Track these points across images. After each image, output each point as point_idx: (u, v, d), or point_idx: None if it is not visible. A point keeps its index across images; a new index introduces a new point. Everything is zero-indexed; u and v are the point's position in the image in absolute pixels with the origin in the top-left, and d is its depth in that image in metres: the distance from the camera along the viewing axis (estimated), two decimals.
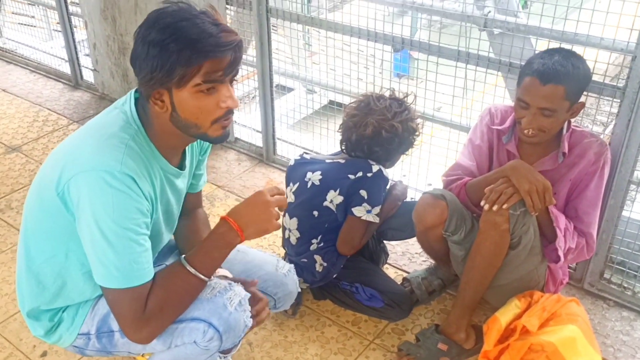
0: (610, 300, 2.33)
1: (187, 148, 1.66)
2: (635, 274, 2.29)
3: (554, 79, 1.82)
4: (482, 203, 1.90)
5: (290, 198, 2.31)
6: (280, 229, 2.41)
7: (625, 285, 2.32)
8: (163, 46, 1.34)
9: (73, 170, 1.40)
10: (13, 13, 5.53)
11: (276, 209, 1.58)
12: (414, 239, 2.34)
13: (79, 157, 1.42)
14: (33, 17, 5.30)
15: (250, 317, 1.63)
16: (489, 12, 2.26)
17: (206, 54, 1.35)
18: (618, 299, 2.32)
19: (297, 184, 2.28)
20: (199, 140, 1.72)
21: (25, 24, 5.30)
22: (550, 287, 2.15)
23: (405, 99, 2.26)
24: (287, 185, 2.35)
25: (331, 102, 3.24)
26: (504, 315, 1.93)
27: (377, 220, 2.18)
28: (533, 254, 2.00)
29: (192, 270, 1.51)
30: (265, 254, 1.98)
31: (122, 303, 1.44)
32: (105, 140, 1.44)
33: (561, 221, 1.96)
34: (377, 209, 2.17)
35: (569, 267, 2.39)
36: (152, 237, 1.57)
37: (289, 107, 3.63)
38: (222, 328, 1.54)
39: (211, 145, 1.78)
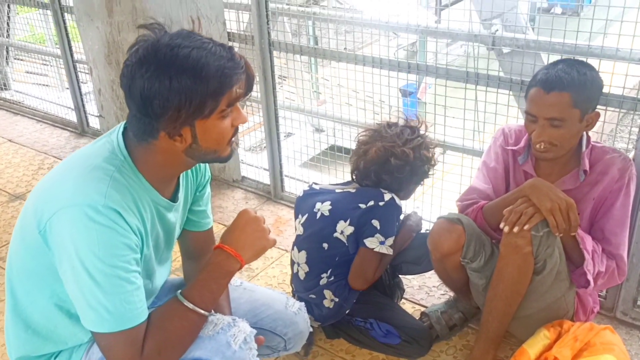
0: None
1: (181, 180, 1.56)
2: None
3: (558, 86, 1.74)
4: (501, 225, 1.78)
5: (299, 230, 2.19)
6: (289, 264, 2.30)
7: None
8: (188, 80, 1.25)
9: (54, 207, 1.29)
10: (27, 72, 5.60)
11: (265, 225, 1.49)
12: (431, 271, 2.21)
13: (60, 193, 1.32)
14: (46, 75, 5.36)
15: (257, 355, 1.50)
16: (497, 30, 2.19)
17: (231, 80, 1.29)
18: None
19: (306, 215, 2.17)
20: (195, 175, 1.64)
21: (38, 83, 5.35)
22: (581, 317, 2.00)
23: (420, 126, 2.15)
24: (296, 217, 2.24)
25: (332, 147, 3.14)
26: (533, 347, 1.78)
27: (390, 252, 2.05)
28: (560, 280, 1.86)
29: (190, 305, 1.39)
30: (273, 291, 1.87)
31: (117, 348, 1.32)
32: (88, 172, 1.34)
33: (588, 243, 1.83)
34: (390, 240, 2.04)
35: (599, 296, 2.23)
36: (145, 275, 1.46)
37: (295, 148, 3.54)
38: None
39: (210, 179, 1.70)
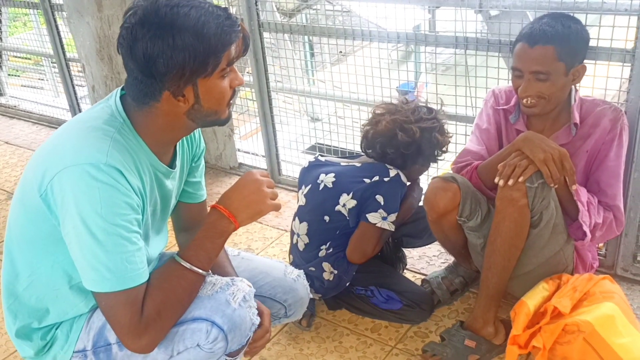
0: None
1: (178, 148, 1.56)
2: None
3: (541, 40, 1.75)
4: (496, 180, 1.78)
5: (302, 201, 2.19)
6: (290, 236, 2.30)
7: None
8: (190, 38, 1.26)
9: (55, 168, 1.29)
10: (22, 86, 5.63)
11: (270, 190, 1.47)
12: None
13: (60, 154, 1.32)
14: (41, 79, 5.37)
15: (257, 314, 1.50)
16: None
17: (230, 38, 1.31)
18: None
19: (309, 186, 2.16)
20: (190, 145, 1.65)
21: (34, 87, 5.37)
22: (580, 272, 1.99)
23: (438, 110, 2.13)
24: (300, 188, 2.23)
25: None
26: (532, 299, 1.77)
27: (392, 228, 2.04)
28: (557, 233, 1.86)
29: (187, 265, 1.40)
30: (272, 260, 1.87)
31: (117, 308, 1.32)
32: (88, 133, 1.34)
33: (582, 194, 1.83)
34: (393, 216, 2.03)
35: (599, 254, 2.23)
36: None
37: (291, 138, 3.53)
38: (226, 326, 1.41)
39: (204, 150, 1.71)
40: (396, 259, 2.28)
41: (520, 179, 1.73)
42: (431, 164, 2.18)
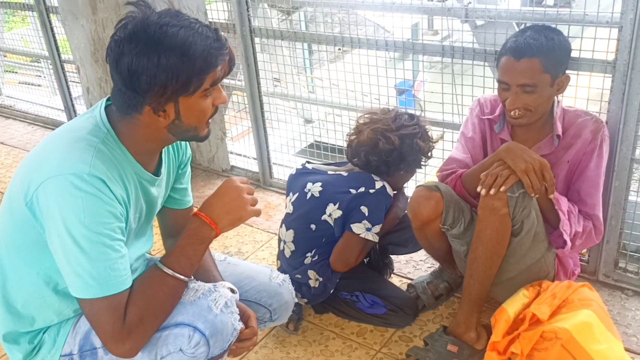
0: (628, 289, 2.20)
1: (163, 156, 1.60)
2: None
3: (527, 53, 1.79)
4: (478, 189, 1.82)
5: (289, 209, 2.22)
6: (277, 242, 2.34)
7: None
8: (175, 58, 1.29)
9: (40, 177, 1.33)
10: (20, 83, 5.65)
11: (250, 196, 1.51)
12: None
13: (45, 164, 1.35)
14: (39, 76, 5.39)
15: (239, 320, 1.54)
16: (469, 2, 2.22)
17: (216, 60, 1.34)
18: (637, 287, 2.19)
19: (297, 194, 2.20)
20: (176, 153, 1.68)
21: (30, 84, 5.39)
22: (562, 278, 2.03)
23: (420, 116, 2.17)
24: (287, 195, 2.27)
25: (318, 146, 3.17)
26: (512, 306, 1.81)
27: (376, 239, 2.08)
28: (538, 241, 1.89)
29: (169, 271, 1.43)
30: (258, 265, 1.90)
31: (100, 314, 1.35)
32: (73, 144, 1.37)
33: (563, 204, 1.87)
34: (377, 228, 2.06)
35: (581, 260, 2.27)
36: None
37: (283, 142, 3.55)
38: (208, 332, 1.44)
39: (190, 158, 1.74)
40: (383, 266, 2.32)
41: (502, 189, 1.77)
42: (416, 170, 2.21)
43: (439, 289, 2.25)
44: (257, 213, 1.53)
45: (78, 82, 4.09)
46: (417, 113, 2.18)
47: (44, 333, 1.55)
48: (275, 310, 1.83)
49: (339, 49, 2.86)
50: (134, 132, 1.42)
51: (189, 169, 1.76)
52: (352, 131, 2.18)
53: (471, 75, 2.31)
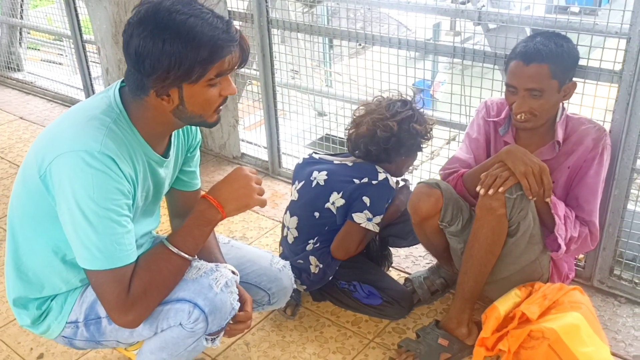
0: (621, 297, 2.23)
1: (173, 139, 1.66)
2: None
3: (537, 58, 1.82)
4: (477, 188, 1.86)
5: (294, 196, 2.28)
6: (280, 229, 2.40)
7: (637, 281, 2.22)
8: (180, 45, 1.33)
9: (54, 152, 1.40)
10: (42, 60, 5.74)
11: (258, 186, 1.57)
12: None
13: (59, 140, 1.42)
14: (61, 54, 5.48)
15: (238, 300, 1.60)
16: (483, 6, 2.26)
17: (222, 51, 1.38)
18: (630, 295, 2.22)
19: (303, 182, 2.26)
20: (186, 136, 1.73)
21: (52, 62, 5.48)
22: (555, 281, 2.07)
23: (414, 99, 2.21)
24: (293, 183, 2.33)
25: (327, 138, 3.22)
26: (503, 304, 1.86)
27: (376, 229, 2.13)
28: (533, 243, 1.94)
29: (174, 249, 1.50)
30: (260, 250, 1.96)
31: (106, 285, 1.42)
32: (86, 122, 1.44)
33: (560, 208, 1.90)
34: (378, 218, 2.12)
35: (578, 265, 2.31)
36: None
37: (293, 133, 3.60)
38: (207, 309, 1.51)
39: (200, 142, 1.79)
40: (382, 257, 2.37)
41: (500, 190, 1.81)
42: (417, 153, 2.25)
43: (435, 284, 2.29)
44: (263, 203, 1.58)
45: (98, 63, 4.18)
46: (410, 98, 2.21)
47: (51, 300, 1.62)
48: (274, 295, 1.89)
49: (360, 45, 2.90)
50: (143, 113, 1.48)
51: (198, 152, 1.81)
52: (350, 125, 2.24)
53: (489, 79, 2.35)
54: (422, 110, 2.21)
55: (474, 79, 2.40)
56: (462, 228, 2.00)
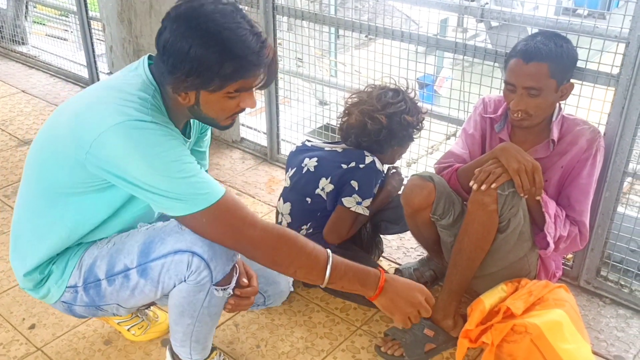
0: (606, 297, 2.27)
1: (191, 121, 1.68)
2: (633, 271, 2.23)
3: (537, 57, 1.84)
4: (470, 183, 1.89)
5: (287, 183, 2.32)
6: (275, 215, 2.43)
7: (622, 283, 2.26)
8: (206, 55, 1.33)
9: (100, 126, 1.38)
10: (47, 35, 5.74)
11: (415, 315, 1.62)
12: (409, 233, 2.32)
13: (103, 114, 1.40)
14: (66, 30, 5.47)
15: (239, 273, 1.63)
16: (486, 3, 2.28)
17: (246, 72, 1.38)
18: (615, 296, 2.26)
19: (295, 169, 2.29)
20: None
21: (56, 37, 5.48)
22: (542, 278, 2.10)
23: (407, 90, 2.22)
24: (287, 170, 2.36)
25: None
26: (489, 298, 1.89)
27: (366, 212, 2.16)
28: (523, 240, 1.97)
29: (329, 266, 1.52)
30: None
31: (206, 227, 1.45)
32: (128, 96, 1.43)
33: (551, 207, 1.93)
34: (367, 202, 2.15)
35: (565, 265, 2.34)
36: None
37: (294, 120, 3.61)
38: (206, 255, 1.50)
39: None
40: (373, 244, 2.41)
41: (493, 186, 1.84)
42: (409, 143, 2.28)
43: (425, 276, 2.33)
44: (406, 324, 1.62)
45: (102, 40, 4.19)
46: (403, 87, 2.22)
47: (52, 264, 1.64)
48: (269, 297, 1.92)
49: (366, 36, 2.91)
50: (166, 96, 1.50)
51: (209, 134, 1.83)
52: (342, 113, 2.26)
53: (489, 77, 2.37)
54: (415, 99, 2.21)
55: (476, 76, 2.42)
56: (453, 222, 2.03)
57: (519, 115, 1.93)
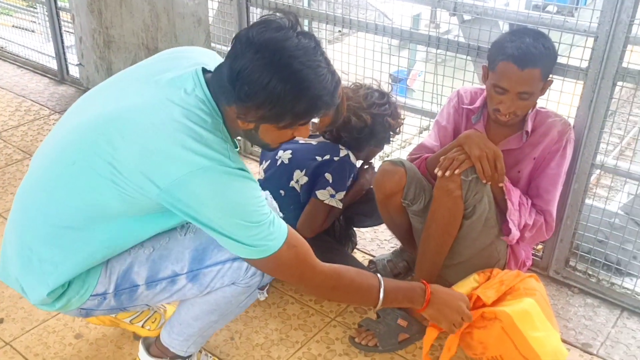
0: (575, 287, 2.32)
1: None
2: (601, 261, 2.28)
3: (531, 63, 1.85)
4: (435, 170, 1.92)
5: (261, 175, 2.31)
6: None
7: (590, 273, 2.31)
8: (284, 91, 1.31)
9: (179, 169, 1.33)
10: (14, 26, 5.61)
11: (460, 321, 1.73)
12: (384, 225, 2.34)
13: (180, 154, 1.34)
14: (34, 21, 5.36)
15: None
16: None
17: (318, 112, 1.39)
18: (583, 286, 2.31)
19: (269, 161, 2.28)
20: None
21: (24, 28, 5.36)
22: (512, 267, 2.14)
23: (391, 91, 2.25)
24: (260, 162, 2.36)
25: None
26: (461, 288, 1.91)
27: (340, 205, 2.17)
28: (489, 227, 1.99)
29: (382, 293, 1.60)
30: None
31: (288, 261, 1.48)
32: (201, 131, 1.37)
33: (514, 195, 1.97)
34: (341, 194, 2.16)
35: (535, 255, 2.39)
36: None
37: None
38: None
39: None
40: (346, 237, 2.42)
41: (456, 172, 1.88)
42: (385, 145, 2.31)
43: (398, 267, 2.35)
44: (451, 330, 1.74)
45: (72, 32, 4.12)
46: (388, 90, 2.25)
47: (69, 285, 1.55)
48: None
49: (339, 31, 2.91)
50: (224, 115, 1.44)
51: None
52: None
53: (462, 69, 2.39)
54: (396, 102, 2.24)
55: (450, 70, 2.45)
56: (424, 208, 2.05)
57: (508, 117, 1.96)
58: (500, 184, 1.90)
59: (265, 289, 1.66)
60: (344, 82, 2.26)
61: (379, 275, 1.62)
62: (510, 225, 1.93)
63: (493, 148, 1.86)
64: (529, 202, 2.01)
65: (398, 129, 2.26)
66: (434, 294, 1.68)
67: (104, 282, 1.56)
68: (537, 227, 2.01)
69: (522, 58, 1.85)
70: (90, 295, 1.56)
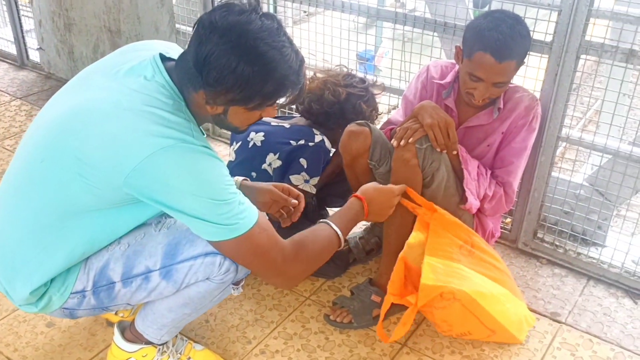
0: (543, 258, 2.37)
1: None
2: (567, 232, 2.34)
3: (508, 56, 1.85)
4: (392, 141, 1.94)
5: (232, 156, 2.29)
6: None
7: (557, 244, 2.36)
8: (252, 73, 1.32)
9: (141, 152, 1.32)
10: None
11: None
12: None
13: (138, 139, 1.33)
14: None
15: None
16: None
17: (285, 92, 1.40)
18: (550, 256, 2.36)
19: (240, 143, 2.26)
20: None
21: None
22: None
23: (373, 85, 2.27)
24: (231, 144, 2.34)
25: None
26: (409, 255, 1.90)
27: (313, 190, 2.17)
28: (449, 195, 2.00)
29: (339, 233, 1.64)
30: None
31: (260, 242, 1.45)
32: (159, 114, 1.36)
33: (471, 165, 2.00)
34: (315, 180, 2.16)
35: (504, 228, 2.43)
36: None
37: None
38: None
39: None
40: (319, 217, 2.42)
41: (410, 140, 1.90)
42: None
43: (370, 243, 2.37)
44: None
45: (30, 16, 4.00)
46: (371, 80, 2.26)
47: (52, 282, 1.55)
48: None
49: (305, 12, 2.89)
50: (190, 102, 1.44)
51: None
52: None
53: (429, 46, 2.39)
54: (377, 96, 2.26)
55: (417, 46, 2.45)
56: (390, 170, 2.05)
57: (481, 102, 1.98)
58: (455, 152, 1.93)
59: (240, 284, 1.65)
60: (315, 63, 2.28)
61: (324, 220, 1.65)
62: (468, 194, 1.96)
63: (445, 116, 1.89)
64: (489, 173, 2.04)
65: (370, 120, 2.25)
66: (369, 204, 1.74)
67: (82, 279, 1.55)
68: (497, 198, 2.04)
69: (500, 51, 1.84)
70: (70, 293, 1.55)
